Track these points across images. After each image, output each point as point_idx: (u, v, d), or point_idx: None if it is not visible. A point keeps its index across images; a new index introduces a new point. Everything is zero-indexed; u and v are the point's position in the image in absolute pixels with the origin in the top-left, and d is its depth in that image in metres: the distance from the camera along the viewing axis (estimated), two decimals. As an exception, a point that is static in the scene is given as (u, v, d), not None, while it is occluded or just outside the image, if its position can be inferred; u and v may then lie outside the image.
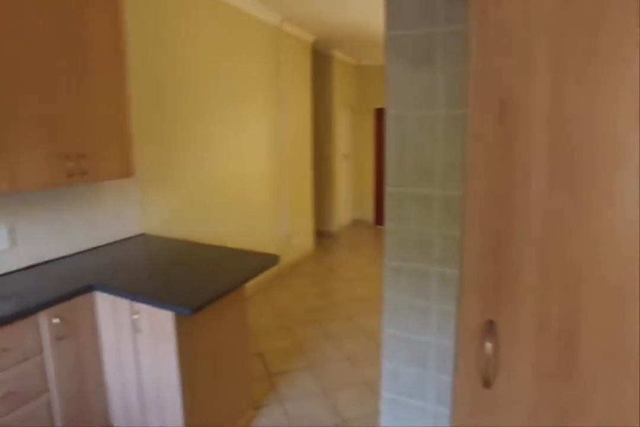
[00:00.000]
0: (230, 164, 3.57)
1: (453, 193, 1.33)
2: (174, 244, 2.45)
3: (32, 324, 1.61)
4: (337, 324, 3.38)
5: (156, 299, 1.63)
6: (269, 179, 4.21)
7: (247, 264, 2.06)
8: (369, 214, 7.02)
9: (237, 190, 3.70)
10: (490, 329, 0.84)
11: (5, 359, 1.52)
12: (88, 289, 1.79)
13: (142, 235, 2.62)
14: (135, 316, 1.73)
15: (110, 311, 1.82)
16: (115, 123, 2.09)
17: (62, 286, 1.78)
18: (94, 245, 2.35)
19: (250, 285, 3.63)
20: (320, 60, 5.62)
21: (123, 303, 1.76)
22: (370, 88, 6.52)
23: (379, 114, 6.52)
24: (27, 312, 1.58)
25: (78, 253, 2.25)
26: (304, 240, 5.12)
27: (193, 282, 1.84)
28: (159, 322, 1.68)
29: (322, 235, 6.13)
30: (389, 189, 1.44)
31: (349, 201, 6.95)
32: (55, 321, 1.68)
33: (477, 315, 0.86)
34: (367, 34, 4.63)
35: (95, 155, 2.00)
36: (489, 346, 0.84)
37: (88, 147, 1.96)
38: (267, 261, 2.10)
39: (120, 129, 2.11)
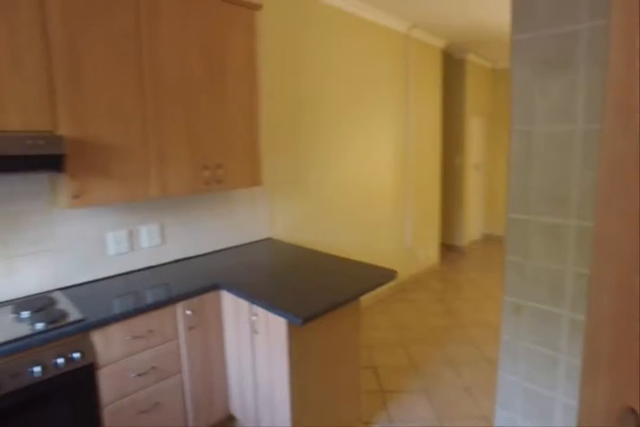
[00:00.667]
0: (354, 174, 3.61)
1: (592, 224, 1.10)
2: (295, 250, 2.55)
3: (172, 312, 1.83)
4: (458, 348, 3.13)
5: (271, 305, 1.71)
6: (393, 189, 4.14)
7: (363, 277, 2.03)
8: (501, 229, 6.40)
9: (360, 199, 3.72)
10: (628, 420, 0.59)
11: (151, 339, 1.77)
12: (215, 287, 1.97)
13: (268, 239, 2.80)
14: (254, 318, 1.84)
15: (233, 309, 1.97)
16: (247, 137, 2.28)
17: (196, 282, 1.99)
18: (226, 246, 2.59)
19: (369, 295, 3.59)
20: (452, 64, 5.37)
21: (244, 303, 1.89)
22: (507, 93, 5.97)
23: (520, 120, 5.92)
24: (170, 301, 1.81)
25: (212, 252, 2.50)
26: (429, 253, 4.90)
27: (309, 290, 1.88)
28: (274, 326, 1.75)
29: (449, 249, 5.80)
30: (510, 216, 1.26)
31: (480, 215, 6.45)
32: (188, 312, 1.88)
33: (608, 398, 0.63)
34: (503, 34, 4.26)
35: (229, 166, 2.20)
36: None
37: (223, 159, 2.17)
38: (384, 275, 2.05)
39: (251, 143, 2.30)
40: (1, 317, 1.64)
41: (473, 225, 6.24)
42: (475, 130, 5.88)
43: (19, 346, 1.43)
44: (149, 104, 1.86)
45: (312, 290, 1.88)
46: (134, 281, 2.04)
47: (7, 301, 1.79)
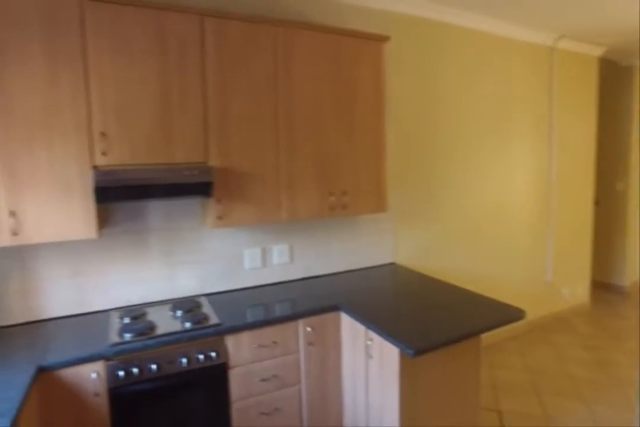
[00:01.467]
0: (489, 200, 3.42)
1: None
2: (418, 277, 2.53)
3: (294, 327, 2.00)
4: (610, 411, 2.66)
5: (385, 332, 1.74)
6: (532, 217, 3.79)
7: (487, 313, 1.92)
8: (683, 269, 5.26)
9: (495, 227, 3.50)
10: None
11: (274, 350, 1.95)
12: (336, 308, 2.08)
13: (391, 264, 2.83)
14: (369, 342, 1.89)
15: (350, 331, 2.05)
16: (373, 165, 2.38)
17: (318, 301, 2.13)
18: (349, 268, 2.70)
19: (500, 329, 3.34)
20: (616, 73, 4.70)
21: (360, 327, 1.95)
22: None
23: None
24: (293, 317, 1.98)
25: (335, 274, 2.64)
26: (576, 291, 4.30)
27: (427, 321, 1.86)
28: (387, 353, 1.77)
29: (604, 288, 4.99)
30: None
31: (651, 249, 5.40)
32: (309, 329, 2.02)
33: None
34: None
35: (355, 193, 2.33)
36: None
37: (349, 185, 2.31)
38: (511, 314, 1.91)
39: (377, 170, 2.40)
40: (163, 313, 2.00)
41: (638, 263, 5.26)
42: (644, 151, 5.01)
43: (174, 339, 1.73)
44: (282, 136, 2.11)
45: (430, 321, 1.85)
46: (264, 294, 2.28)
47: (168, 300, 2.18)
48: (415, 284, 2.41)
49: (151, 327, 1.81)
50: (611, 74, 4.71)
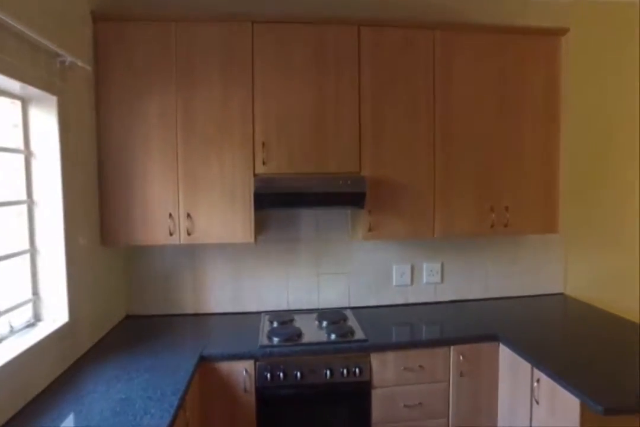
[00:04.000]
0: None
1: None
2: (596, 313, 2.09)
3: (444, 353, 1.81)
4: None
5: (562, 376, 1.44)
6: None
7: None
8: None
9: None
10: None
11: (421, 375, 1.80)
12: (494, 338, 1.82)
13: (560, 295, 2.41)
14: (535, 384, 1.59)
15: (510, 367, 1.77)
16: (543, 178, 2.08)
17: (471, 328, 1.90)
18: (506, 295, 2.37)
19: None
20: None
21: (524, 365, 1.66)
22: None
23: None
24: (443, 342, 1.81)
25: (489, 299, 2.34)
26: None
27: (614, 370, 1.49)
28: (562, 403, 1.46)
29: None
30: None
31: None
32: (461, 358, 1.81)
33: None
34: None
35: (518, 209, 2.05)
36: None
37: (513, 201, 2.04)
38: None
39: (547, 185, 2.08)
40: (310, 321, 2.02)
41: None
42: None
43: (319, 349, 1.72)
44: (438, 147, 1.97)
45: (618, 370, 1.48)
46: (412, 313, 2.14)
47: (313, 309, 2.20)
48: (594, 321, 1.99)
49: (298, 334, 1.83)
50: None
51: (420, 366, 1.78)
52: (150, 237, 1.86)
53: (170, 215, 1.84)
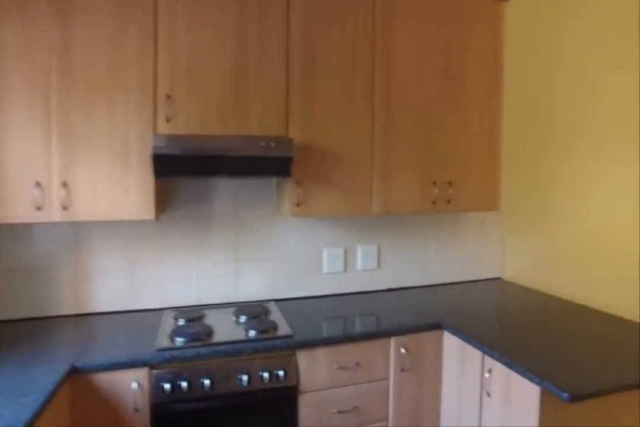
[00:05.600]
0: (628, 213, 2.74)
1: None
2: (539, 297, 1.97)
3: (384, 347, 1.55)
4: None
5: (520, 364, 1.23)
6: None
7: (659, 346, 1.35)
8: None
9: (633, 243, 2.78)
10: None
11: (358, 374, 1.52)
12: (437, 326, 1.60)
13: (497, 280, 2.29)
14: (486, 375, 1.38)
15: (456, 357, 1.56)
16: (485, 152, 1.93)
17: (413, 317, 1.67)
18: (446, 281, 2.20)
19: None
20: None
21: (473, 354, 1.45)
22: None
23: None
24: (382, 334, 1.54)
25: (430, 286, 2.15)
26: None
27: (567, 355, 1.33)
28: (518, 393, 1.26)
29: None
30: None
31: None
32: (402, 351, 1.56)
33: None
34: None
35: (461, 185, 1.88)
36: None
37: (455, 175, 1.87)
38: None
39: (489, 159, 1.93)
40: (225, 317, 1.66)
41: None
42: None
43: (234, 349, 1.37)
44: (378, 111, 1.72)
45: (571, 354, 1.32)
46: (346, 304, 1.86)
47: (231, 303, 1.84)
48: (535, 304, 1.85)
49: (208, 332, 1.47)
50: None
51: (356, 363, 1.51)
52: (8, 213, 1.39)
53: (37, 184, 1.40)
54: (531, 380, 1.18)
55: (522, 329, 1.54)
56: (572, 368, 1.21)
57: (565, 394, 1.08)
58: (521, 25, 2.31)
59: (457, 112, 1.85)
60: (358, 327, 1.58)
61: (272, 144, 1.51)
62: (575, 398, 1.08)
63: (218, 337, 1.44)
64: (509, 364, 1.26)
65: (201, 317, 1.65)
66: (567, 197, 2.51)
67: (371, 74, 1.71)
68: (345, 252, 2.00)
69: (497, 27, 1.92)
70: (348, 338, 1.49)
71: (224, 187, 1.82)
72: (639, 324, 1.57)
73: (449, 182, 1.84)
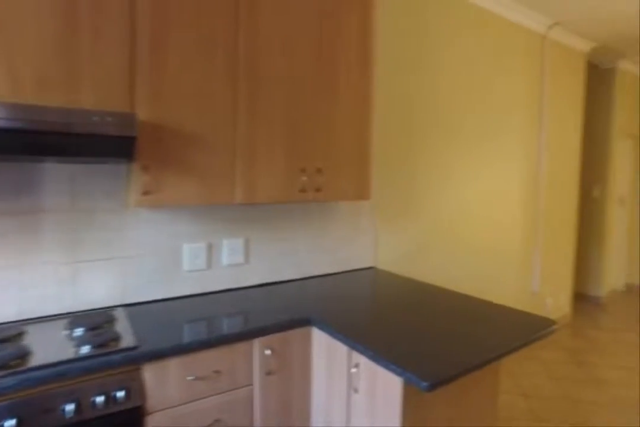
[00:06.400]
0: (477, 200, 3.00)
1: None
2: (409, 283, 2.01)
3: (247, 350, 1.40)
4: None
5: (383, 356, 1.19)
6: (521, 223, 3.41)
7: (506, 326, 1.43)
8: (654, 280, 5.13)
9: (483, 232, 3.07)
10: None
11: (217, 383, 1.35)
12: (306, 322, 1.51)
13: (371, 269, 2.31)
14: (353, 370, 1.33)
15: (325, 354, 1.48)
16: (356, 139, 1.87)
17: (281, 314, 1.55)
18: (320, 273, 2.14)
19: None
20: (597, 76, 4.54)
21: (341, 349, 1.39)
22: (668, 112, 4.92)
23: (682, 145, 4.80)
24: (246, 335, 1.39)
25: (303, 279, 2.07)
26: (559, 302, 3.97)
27: (432, 339, 1.33)
28: (383, 386, 1.22)
29: (582, 299, 4.73)
30: None
31: (623, 260, 5.25)
32: (268, 352, 1.44)
33: None
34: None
35: (332, 172, 1.80)
36: None
37: (326, 162, 1.78)
38: (537, 325, 1.43)
39: (360, 146, 1.88)
40: (54, 333, 1.35)
41: (615, 272, 5.07)
42: (621, 157, 4.87)
43: (54, 374, 1.09)
44: (241, 89, 1.55)
45: (437, 340, 1.32)
46: (209, 304, 1.67)
47: (67, 314, 1.52)
48: (408, 293, 1.88)
49: (22, 355, 1.16)
50: (591, 78, 4.54)
51: (215, 372, 1.34)
52: None
53: None
54: (394, 372, 1.14)
55: (391, 319, 1.52)
56: (434, 354, 1.21)
57: (425, 384, 1.05)
58: (393, 17, 2.34)
59: (329, 98, 1.76)
60: (218, 330, 1.41)
61: (109, 119, 1.24)
62: (434, 385, 1.06)
63: (35, 360, 1.15)
64: (373, 358, 1.22)
65: (19, 335, 1.32)
66: (428, 188, 2.65)
67: (234, 49, 1.52)
68: (209, 247, 1.80)
69: (369, 12, 1.87)
70: (205, 344, 1.31)
71: (57, 175, 1.48)
72: (498, 305, 1.66)
73: (319, 170, 1.76)
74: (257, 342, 1.41)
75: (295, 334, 1.49)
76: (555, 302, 3.88)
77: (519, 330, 1.39)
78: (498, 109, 3.09)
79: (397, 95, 2.40)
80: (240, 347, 1.38)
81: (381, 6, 2.28)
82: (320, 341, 1.50)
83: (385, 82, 2.33)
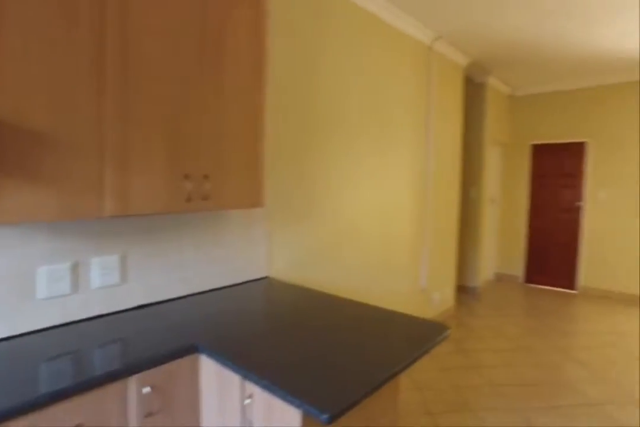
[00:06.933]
0: (370, 206, 3.05)
1: None
2: (304, 294, 1.93)
3: (118, 392, 1.18)
4: (499, 417, 2.48)
5: (278, 385, 1.08)
6: (411, 226, 3.58)
7: (403, 335, 1.42)
8: (517, 269, 5.85)
9: (376, 235, 3.14)
10: None
11: (82, 436, 1.10)
12: (192, 349, 1.33)
13: (265, 278, 2.19)
14: (247, 401, 1.20)
15: (215, 385, 1.33)
16: (247, 143, 1.73)
17: (163, 341, 1.35)
18: (211, 287, 1.96)
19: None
20: (471, 89, 5.01)
21: (233, 378, 1.25)
22: (525, 122, 5.64)
23: (537, 152, 5.54)
24: (117, 374, 1.16)
25: (191, 295, 1.87)
26: (445, 295, 4.28)
27: (331, 356, 1.25)
28: (280, 417, 1.11)
29: (461, 291, 5.19)
30: None
31: (493, 253, 5.91)
32: (146, 390, 1.23)
33: None
34: (535, 54, 3.93)
35: (221, 178, 1.63)
36: None
37: (213, 167, 1.60)
38: (433, 331, 1.44)
39: (252, 151, 1.75)
40: None
41: (487, 264, 5.68)
42: (492, 161, 5.45)
43: None
44: (110, 81, 1.31)
45: (336, 357, 1.25)
46: (72, 337, 1.39)
47: None
48: (303, 304, 1.80)
49: None
50: (468, 90, 4.99)
51: (78, 426, 1.10)
52: None
53: None
54: (292, 404, 1.04)
55: (286, 337, 1.41)
56: (333, 376, 1.13)
57: (325, 416, 0.97)
58: (288, 15, 2.24)
59: (216, 99, 1.59)
60: (80, 373, 1.16)
61: None
62: (335, 417, 0.98)
63: None
64: (268, 387, 1.10)
65: None
66: (324, 194, 2.62)
67: (100, 30, 1.27)
68: (74, 267, 1.51)
69: (261, 10, 1.74)
70: (59, 395, 1.06)
71: None
72: (392, 311, 1.65)
73: (206, 176, 1.58)
74: (133, 380, 1.20)
75: (180, 364, 1.31)
76: (441, 296, 4.18)
77: (416, 338, 1.39)
78: (390, 116, 3.19)
79: (292, 98, 2.32)
80: (111, 389, 1.16)
81: (274, 2, 2.17)
82: (210, 370, 1.33)
83: (280, 84, 2.23)
